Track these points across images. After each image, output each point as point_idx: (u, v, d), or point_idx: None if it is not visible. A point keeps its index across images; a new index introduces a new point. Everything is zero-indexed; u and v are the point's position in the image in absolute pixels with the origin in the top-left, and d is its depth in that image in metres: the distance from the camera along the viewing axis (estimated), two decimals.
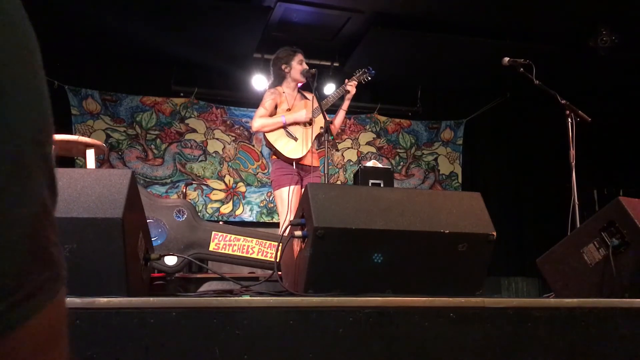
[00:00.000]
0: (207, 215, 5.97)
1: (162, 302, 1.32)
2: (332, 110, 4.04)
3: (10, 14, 0.38)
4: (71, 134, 5.15)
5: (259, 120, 3.79)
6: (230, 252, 3.17)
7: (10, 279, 0.34)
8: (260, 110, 3.83)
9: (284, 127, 3.78)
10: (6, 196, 0.34)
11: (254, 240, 3.22)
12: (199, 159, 6.14)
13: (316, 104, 3.69)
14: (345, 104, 3.93)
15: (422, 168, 6.85)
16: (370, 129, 6.76)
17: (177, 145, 6.09)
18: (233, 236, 3.20)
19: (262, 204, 6.23)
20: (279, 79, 3.94)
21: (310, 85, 3.68)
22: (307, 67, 3.86)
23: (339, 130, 4.29)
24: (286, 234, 1.99)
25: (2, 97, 0.35)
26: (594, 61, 5.60)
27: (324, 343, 1.36)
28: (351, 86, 3.89)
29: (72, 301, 1.22)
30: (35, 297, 0.36)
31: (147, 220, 2.88)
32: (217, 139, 6.22)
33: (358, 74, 3.98)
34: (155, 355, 1.24)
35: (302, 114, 3.78)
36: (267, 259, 3.21)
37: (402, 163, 6.79)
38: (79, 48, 5.44)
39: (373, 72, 3.99)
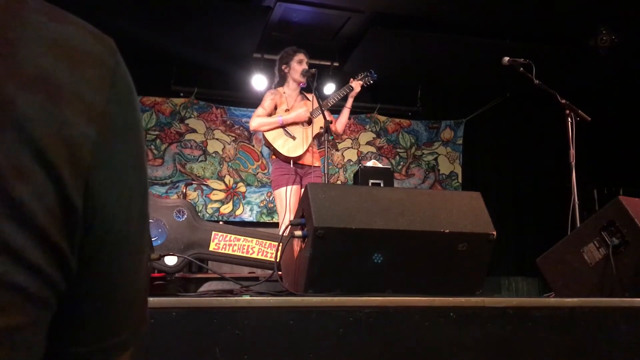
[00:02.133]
0: (207, 215, 5.97)
1: (162, 302, 1.32)
2: (333, 110, 4.04)
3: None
4: None
5: (256, 120, 3.80)
6: (230, 252, 3.17)
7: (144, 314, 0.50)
8: (259, 110, 3.83)
9: (282, 127, 3.78)
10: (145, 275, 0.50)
11: (254, 240, 3.22)
12: (199, 159, 6.13)
13: (316, 104, 3.69)
14: (349, 101, 3.95)
15: (422, 168, 6.85)
16: (370, 129, 6.76)
17: (177, 146, 6.09)
18: (233, 236, 3.19)
19: (262, 204, 6.22)
20: (281, 79, 3.95)
21: (310, 85, 3.68)
22: (307, 67, 3.86)
23: (345, 128, 4.29)
24: (286, 234, 1.99)
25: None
26: (594, 61, 5.60)
27: (324, 343, 1.35)
28: (357, 84, 3.92)
29: None
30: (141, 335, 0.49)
31: None
32: (217, 139, 6.22)
33: (360, 77, 3.99)
34: (155, 355, 1.24)
35: (301, 112, 3.78)
36: (267, 259, 3.21)
37: (402, 163, 6.79)
38: None
39: (375, 75, 4.00)
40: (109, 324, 0.46)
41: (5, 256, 0.34)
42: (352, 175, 6.39)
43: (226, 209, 6.11)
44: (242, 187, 6.20)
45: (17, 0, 0.40)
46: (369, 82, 4.01)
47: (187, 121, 6.16)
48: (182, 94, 6.12)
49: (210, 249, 3.12)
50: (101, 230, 0.42)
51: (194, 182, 5.96)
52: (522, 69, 3.44)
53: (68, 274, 0.39)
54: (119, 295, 0.45)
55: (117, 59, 0.44)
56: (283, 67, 3.90)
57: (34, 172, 0.36)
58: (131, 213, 0.45)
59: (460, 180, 6.93)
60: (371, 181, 4.44)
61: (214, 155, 6.18)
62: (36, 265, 0.36)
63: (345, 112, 3.96)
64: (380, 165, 4.98)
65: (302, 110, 3.79)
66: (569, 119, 3.34)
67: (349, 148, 6.64)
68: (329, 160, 5.59)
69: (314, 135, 3.79)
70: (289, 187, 3.69)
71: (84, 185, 0.39)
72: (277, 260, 2.02)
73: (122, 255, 0.45)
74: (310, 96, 3.90)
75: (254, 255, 3.21)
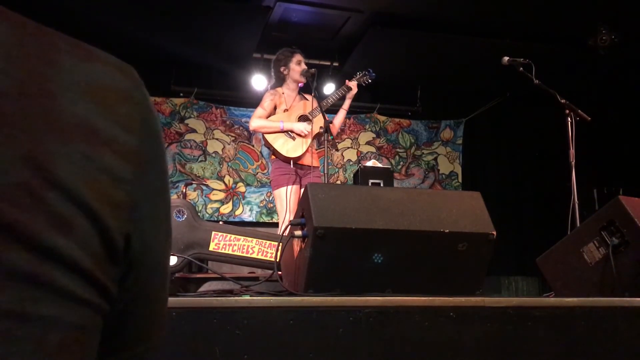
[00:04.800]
0: (207, 215, 5.97)
1: None
2: (332, 110, 4.04)
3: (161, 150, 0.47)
4: None
5: (257, 121, 3.80)
6: (230, 252, 3.17)
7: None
8: (259, 111, 3.83)
9: (282, 132, 3.79)
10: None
11: (254, 240, 3.22)
12: (199, 159, 6.13)
13: (315, 104, 3.69)
14: (347, 103, 3.93)
15: (422, 168, 6.85)
16: (369, 129, 6.76)
17: (176, 146, 6.09)
18: (233, 236, 3.19)
19: (261, 204, 6.22)
20: (279, 80, 3.94)
21: (310, 85, 3.68)
22: (306, 67, 3.86)
23: (339, 130, 4.29)
24: (286, 233, 1.99)
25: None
26: (593, 60, 5.60)
27: (324, 343, 1.35)
28: (354, 85, 3.90)
29: None
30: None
31: None
32: (216, 139, 6.22)
33: (358, 76, 3.99)
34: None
35: (301, 128, 3.76)
36: (267, 259, 3.21)
37: (401, 163, 6.79)
38: None
39: (373, 74, 3.99)
40: (143, 333, 0.50)
41: (62, 300, 0.37)
42: (351, 175, 6.39)
43: (226, 209, 6.11)
44: (241, 187, 6.20)
45: (50, 45, 0.41)
46: (368, 81, 4.00)
47: (186, 121, 6.16)
48: (182, 94, 6.12)
49: (210, 249, 3.12)
50: (140, 261, 0.44)
51: (193, 182, 5.96)
52: (522, 68, 3.44)
53: (111, 300, 0.42)
54: (151, 309, 0.49)
55: (142, 91, 0.46)
56: (282, 69, 3.90)
57: (79, 224, 0.38)
58: (162, 238, 0.47)
59: (460, 180, 6.93)
60: (371, 181, 4.45)
61: (213, 155, 6.18)
62: (87, 301, 0.39)
63: (342, 114, 3.96)
64: (380, 165, 4.99)
65: (303, 125, 3.77)
66: (569, 119, 3.34)
67: (348, 148, 6.64)
68: (329, 160, 5.59)
69: (313, 135, 3.79)
70: (289, 187, 3.70)
71: (125, 225, 0.41)
72: (277, 260, 2.03)
73: (155, 276, 0.48)
74: (308, 96, 3.90)
75: (254, 255, 3.21)
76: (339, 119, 3.97)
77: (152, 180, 0.44)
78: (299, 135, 3.78)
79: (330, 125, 3.55)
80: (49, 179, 0.37)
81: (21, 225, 0.35)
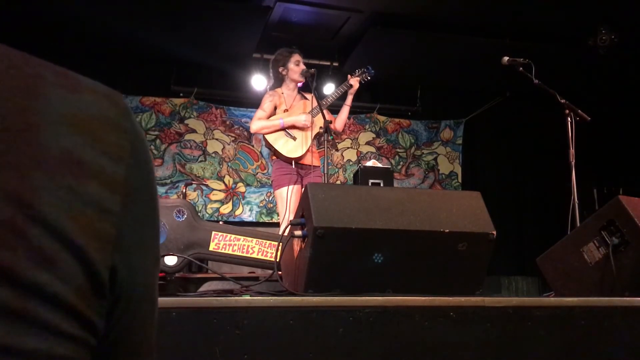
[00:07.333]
0: (207, 215, 5.97)
1: (162, 302, 1.31)
2: (332, 109, 4.04)
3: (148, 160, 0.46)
4: None
5: (257, 123, 3.80)
6: (230, 252, 3.17)
7: None
8: (259, 113, 3.83)
9: (283, 129, 3.78)
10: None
11: (254, 240, 3.22)
12: (199, 160, 6.13)
13: (315, 104, 3.69)
14: (349, 99, 3.93)
15: (422, 168, 6.85)
16: (369, 129, 6.76)
17: (176, 146, 6.09)
18: (233, 236, 3.19)
19: (261, 204, 6.23)
20: (278, 80, 3.94)
21: (310, 85, 3.68)
22: (305, 67, 3.86)
23: (344, 127, 4.29)
24: (286, 233, 1.99)
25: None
26: (593, 60, 5.60)
27: (324, 343, 1.35)
28: (355, 81, 3.90)
29: None
30: None
31: None
32: (216, 139, 6.22)
33: (358, 74, 3.98)
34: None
35: (301, 119, 3.76)
36: (267, 258, 3.21)
37: (401, 163, 6.79)
38: (78, 48, 5.44)
39: (372, 71, 3.98)
40: None
41: (47, 333, 0.37)
42: (351, 175, 6.39)
43: (226, 209, 6.11)
44: (241, 187, 6.20)
45: (36, 77, 0.40)
46: (367, 78, 4.00)
47: (186, 121, 6.16)
48: (181, 94, 6.12)
49: (210, 249, 3.12)
50: (127, 292, 0.43)
51: (193, 182, 5.96)
52: (521, 68, 3.44)
53: (98, 334, 0.41)
54: (141, 337, 0.48)
55: (131, 119, 0.45)
56: (280, 69, 3.89)
57: (63, 259, 0.37)
58: (149, 265, 0.46)
59: (460, 180, 6.93)
60: (371, 181, 4.45)
61: (213, 155, 6.18)
62: (72, 335, 0.38)
63: (345, 110, 3.95)
64: (379, 165, 4.99)
65: (302, 116, 3.77)
66: (569, 119, 3.34)
67: (348, 148, 6.64)
68: (329, 160, 5.59)
69: (313, 135, 3.78)
70: (290, 187, 3.69)
71: (110, 258, 0.40)
72: (277, 260, 2.03)
73: (144, 305, 0.47)
74: (308, 95, 3.89)
75: (254, 255, 3.21)
76: (343, 115, 3.97)
77: (139, 208, 0.44)
78: (301, 127, 3.77)
79: (330, 125, 3.55)
80: (33, 215, 0.36)
81: (4, 262, 0.35)
